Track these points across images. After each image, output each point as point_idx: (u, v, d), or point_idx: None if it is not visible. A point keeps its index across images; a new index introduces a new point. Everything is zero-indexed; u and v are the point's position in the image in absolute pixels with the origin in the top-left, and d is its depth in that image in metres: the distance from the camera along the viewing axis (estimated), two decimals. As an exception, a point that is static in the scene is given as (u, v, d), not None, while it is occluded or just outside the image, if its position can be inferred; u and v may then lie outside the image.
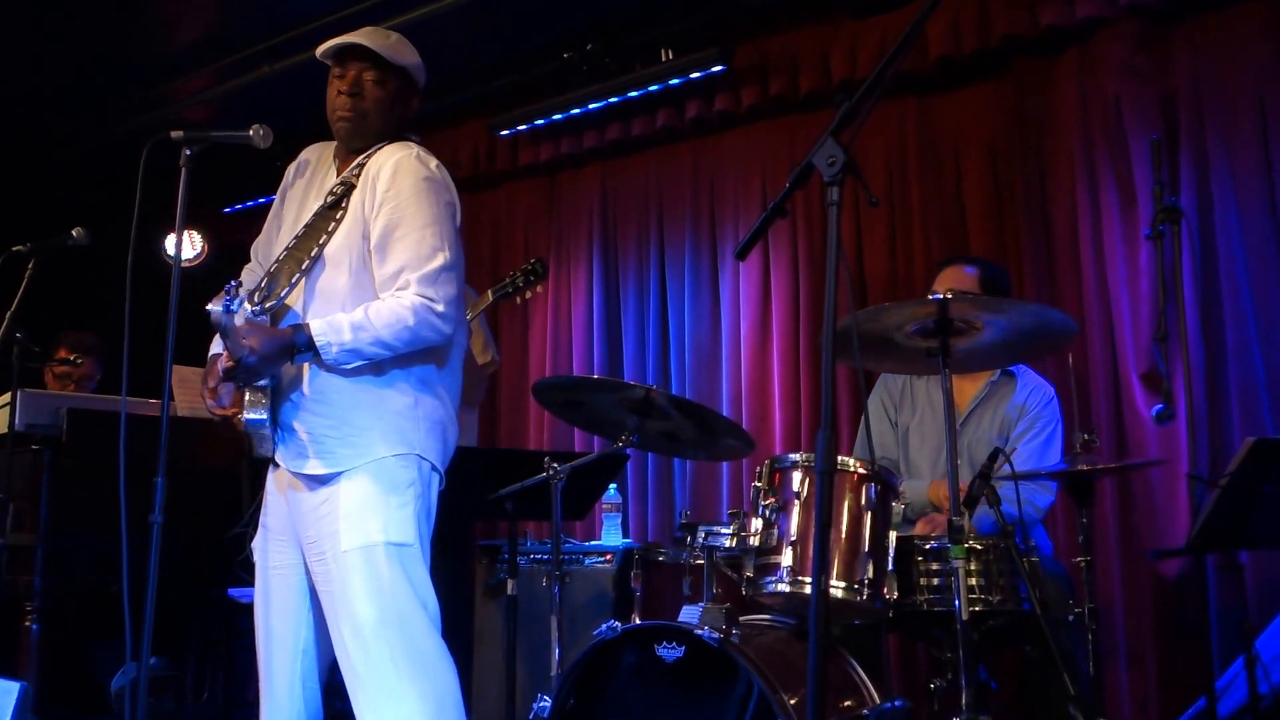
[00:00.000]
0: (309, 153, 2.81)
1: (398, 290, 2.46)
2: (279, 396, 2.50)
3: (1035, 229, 4.16)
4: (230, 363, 2.41)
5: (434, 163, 2.59)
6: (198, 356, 2.76)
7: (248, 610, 2.73)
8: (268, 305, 2.52)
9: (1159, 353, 3.38)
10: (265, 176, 5.77)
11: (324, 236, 2.55)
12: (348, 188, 2.60)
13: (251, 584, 2.67)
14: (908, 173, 4.45)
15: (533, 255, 5.38)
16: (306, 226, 2.60)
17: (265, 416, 2.45)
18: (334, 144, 2.74)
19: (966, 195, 4.34)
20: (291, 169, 2.81)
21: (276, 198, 2.82)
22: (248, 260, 2.86)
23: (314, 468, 2.49)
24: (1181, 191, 3.81)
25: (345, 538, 2.43)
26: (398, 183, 2.51)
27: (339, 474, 2.48)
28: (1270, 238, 3.71)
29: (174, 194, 2.57)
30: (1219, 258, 3.76)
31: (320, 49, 2.67)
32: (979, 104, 4.35)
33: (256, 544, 2.66)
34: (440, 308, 2.46)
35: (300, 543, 2.55)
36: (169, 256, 2.63)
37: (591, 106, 4.97)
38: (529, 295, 4.20)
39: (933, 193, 4.39)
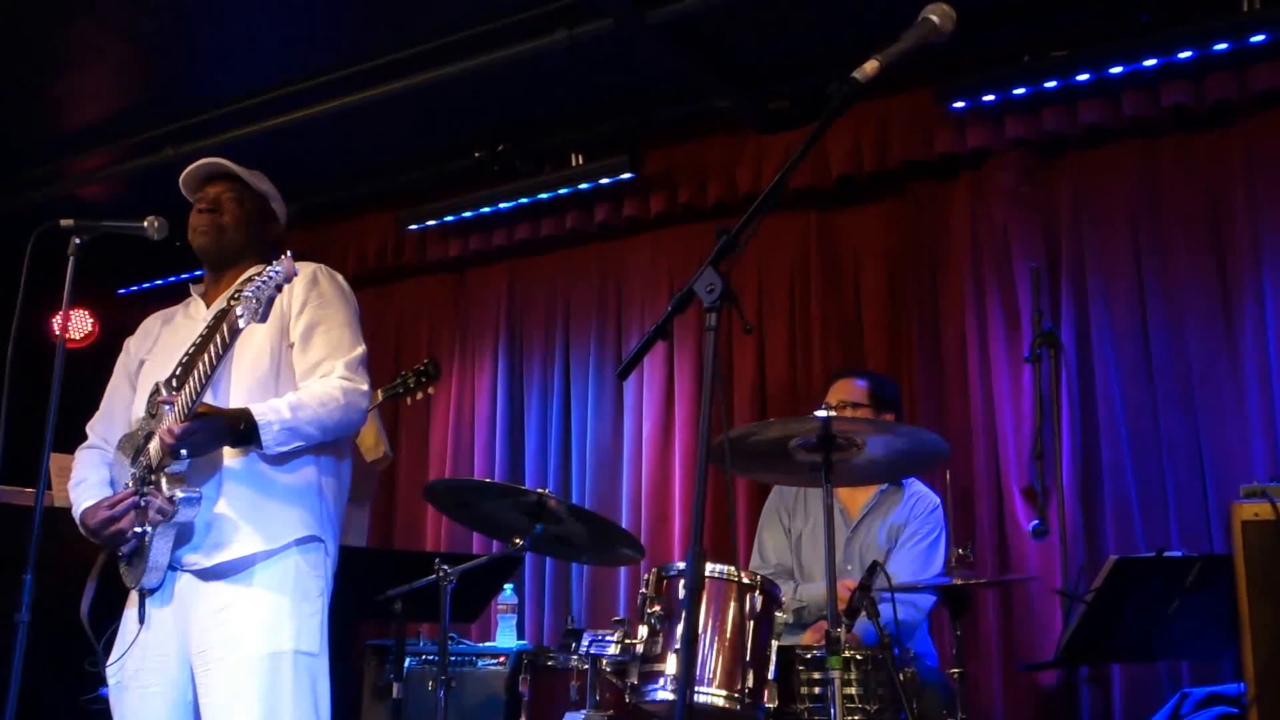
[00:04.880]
0: (153, 320, 2.80)
1: (321, 376, 2.54)
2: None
3: (927, 343, 4.31)
4: (172, 439, 2.31)
5: (340, 276, 2.74)
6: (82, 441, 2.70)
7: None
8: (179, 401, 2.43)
9: (1035, 470, 3.52)
10: (162, 258, 5.65)
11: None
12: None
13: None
14: (810, 283, 4.58)
15: (438, 351, 5.35)
16: (205, 334, 2.54)
17: (199, 494, 2.37)
18: (177, 305, 2.77)
19: (865, 307, 4.48)
20: (136, 338, 2.78)
21: (120, 372, 2.75)
22: None
23: (226, 555, 2.42)
24: (1062, 314, 4.01)
25: (253, 643, 2.38)
26: (319, 286, 2.64)
27: (247, 571, 2.43)
28: (1142, 360, 3.90)
29: (64, 277, 2.55)
30: (1095, 378, 3.93)
31: (182, 177, 2.71)
32: (878, 221, 4.52)
33: (114, 664, 2.49)
34: (364, 387, 2.58)
35: (187, 654, 2.45)
36: (56, 338, 2.58)
37: (501, 206, 5.02)
38: (419, 396, 4.12)
39: (833, 303, 4.53)
